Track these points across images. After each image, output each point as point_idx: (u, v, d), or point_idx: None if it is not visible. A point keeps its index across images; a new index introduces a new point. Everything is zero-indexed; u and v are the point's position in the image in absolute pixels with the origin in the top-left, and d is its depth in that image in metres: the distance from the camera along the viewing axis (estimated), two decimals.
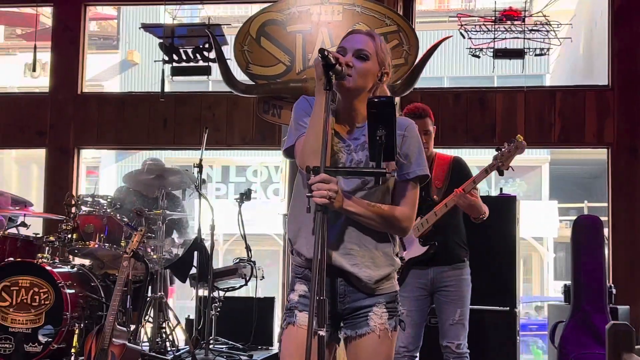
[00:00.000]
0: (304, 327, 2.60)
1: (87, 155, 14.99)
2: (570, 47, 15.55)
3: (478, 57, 6.75)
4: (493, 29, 6.68)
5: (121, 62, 18.82)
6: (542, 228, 16.61)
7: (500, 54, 6.66)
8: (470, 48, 6.74)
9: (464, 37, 6.73)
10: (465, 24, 6.73)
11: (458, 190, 4.27)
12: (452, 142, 7.00)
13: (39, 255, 5.44)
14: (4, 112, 7.72)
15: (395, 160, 2.60)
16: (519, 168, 4.25)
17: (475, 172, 4.44)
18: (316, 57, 2.54)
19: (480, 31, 6.73)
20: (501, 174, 4.33)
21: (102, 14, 18.14)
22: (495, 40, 6.68)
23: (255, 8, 6.57)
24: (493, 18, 6.70)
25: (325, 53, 2.50)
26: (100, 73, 17.99)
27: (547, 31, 6.57)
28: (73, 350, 5.18)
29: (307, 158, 2.56)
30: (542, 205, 17.14)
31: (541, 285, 18.12)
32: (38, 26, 8.09)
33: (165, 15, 13.09)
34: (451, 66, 16.25)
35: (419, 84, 5.88)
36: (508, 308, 5.53)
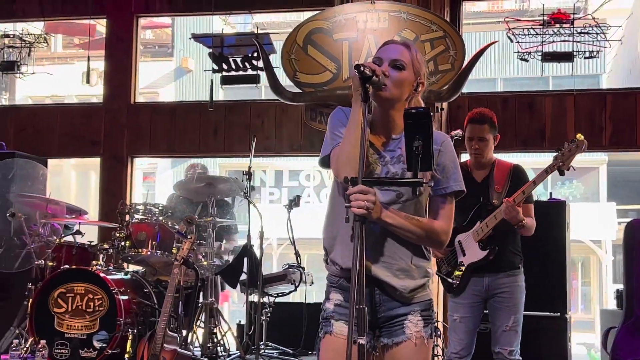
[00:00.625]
0: (340, 336, 2.65)
1: (144, 162, 15.27)
2: (627, 47, 15.28)
3: (526, 60, 6.69)
4: (541, 33, 6.62)
5: (176, 69, 19.09)
6: (600, 230, 16.33)
7: (549, 57, 6.59)
8: (518, 52, 6.68)
9: (511, 41, 6.68)
10: (513, 28, 6.68)
11: (507, 201, 4.26)
12: (501, 146, 6.88)
13: (94, 262, 5.56)
14: (61, 122, 7.93)
15: (432, 175, 2.63)
16: (575, 170, 4.23)
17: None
18: (352, 70, 2.58)
19: (528, 35, 6.66)
20: (562, 173, 4.32)
21: (157, 22, 18.42)
22: (544, 43, 6.61)
23: (305, 14, 6.63)
24: (541, 21, 6.64)
25: (361, 68, 2.53)
26: (156, 80, 18.28)
27: (597, 33, 6.48)
28: (126, 355, 5.26)
29: (342, 168, 2.59)
30: (600, 207, 16.85)
31: (599, 288, 17.80)
32: (94, 36, 8.28)
33: (218, 22, 13.30)
34: (503, 68, 16.11)
35: (468, 88, 5.87)
36: (559, 314, 5.49)
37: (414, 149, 2.50)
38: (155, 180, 17.99)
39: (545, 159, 4.35)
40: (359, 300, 2.41)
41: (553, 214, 5.61)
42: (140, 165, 16.11)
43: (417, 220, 2.64)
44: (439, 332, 3.31)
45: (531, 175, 4.46)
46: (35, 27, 8.16)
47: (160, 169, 18.28)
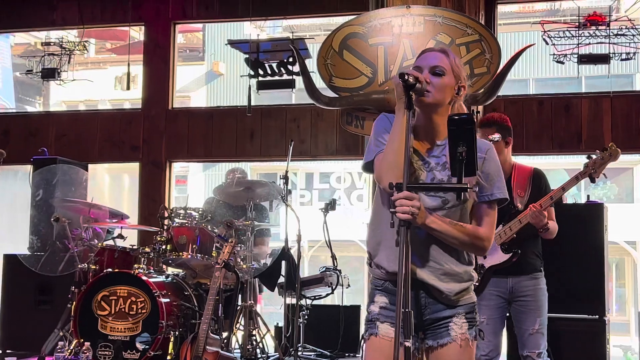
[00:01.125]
0: (386, 338, 2.71)
1: (176, 166, 15.43)
2: None
3: (562, 63, 6.69)
4: (577, 35, 6.61)
5: (207, 73, 19.23)
6: (635, 232, 16.18)
7: (584, 59, 6.58)
8: (554, 54, 6.68)
9: (547, 44, 6.68)
10: (549, 30, 6.68)
11: (534, 207, 4.29)
12: (536, 149, 6.95)
13: (135, 265, 5.65)
14: (100, 127, 8.07)
15: (476, 182, 2.68)
16: (609, 171, 4.24)
17: (555, 185, 4.46)
18: (395, 77, 2.64)
19: (564, 37, 6.66)
20: (593, 181, 4.34)
21: (188, 27, 18.58)
22: (580, 45, 6.61)
23: (340, 19, 6.69)
24: (577, 23, 6.63)
25: (405, 77, 2.59)
26: (188, 84, 18.43)
27: (633, 35, 6.46)
28: (169, 357, 5.35)
29: (385, 175, 2.66)
30: (635, 208, 16.69)
31: (634, 290, 17.63)
32: (126, 41, 8.40)
33: (249, 27, 13.39)
34: (535, 68, 16.01)
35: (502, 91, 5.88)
36: (597, 316, 5.48)
37: (458, 154, 2.56)
38: (187, 183, 18.15)
39: (582, 161, 4.35)
40: (405, 304, 2.47)
41: (591, 216, 5.61)
42: (173, 168, 16.29)
43: (461, 226, 2.69)
44: (482, 334, 3.36)
45: (566, 178, 4.47)
46: (69, 34, 8.30)
47: (192, 172, 18.43)
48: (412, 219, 2.52)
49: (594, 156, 4.29)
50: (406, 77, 2.60)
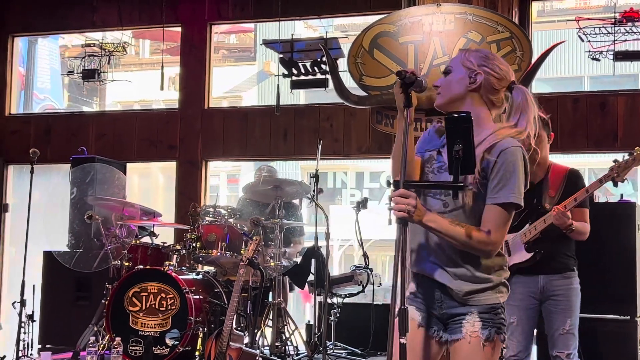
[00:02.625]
0: (410, 320, 2.70)
1: (228, 165, 15.56)
2: None
3: (598, 60, 6.58)
4: (613, 31, 6.50)
5: (258, 73, 19.36)
6: None
7: (620, 56, 6.47)
8: (589, 51, 6.58)
9: (582, 41, 6.59)
10: (584, 27, 6.58)
11: (557, 208, 4.25)
12: (571, 147, 6.85)
13: (166, 262, 5.76)
14: (139, 127, 8.22)
15: (482, 182, 2.67)
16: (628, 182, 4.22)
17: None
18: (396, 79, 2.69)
19: (599, 34, 6.56)
20: (615, 185, 4.28)
21: (240, 27, 18.72)
22: (616, 42, 6.50)
23: (373, 18, 6.70)
24: (613, 20, 6.52)
25: (402, 74, 2.63)
26: (239, 84, 18.58)
27: None
28: (197, 353, 5.41)
29: (392, 175, 2.76)
30: None
31: None
32: (172, 44, 8.54)
33: (300, 26, 13.45)
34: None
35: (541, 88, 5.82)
36: (629, 317, 5.39)
37: (454, 153, 2.57)
38: (239, 182, 18.29)
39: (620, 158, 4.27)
40: (402, 301, 2.52)
41: (623, 215, 5.52)
42: (225, 167, 16.43)
43: (460, 226, 2.66)
44: (502, 337, 3.34)
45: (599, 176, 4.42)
46: (125, 35, 8.46)
47: (243, 171, 18.59)
48: (408, 216, 2.54)
49: (620, 159, 4.24)
50: (403, 73, 2.64)
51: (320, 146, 6.03)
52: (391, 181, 2.72)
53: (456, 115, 2.61)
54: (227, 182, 17.23)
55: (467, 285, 2.73)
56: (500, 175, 2.67)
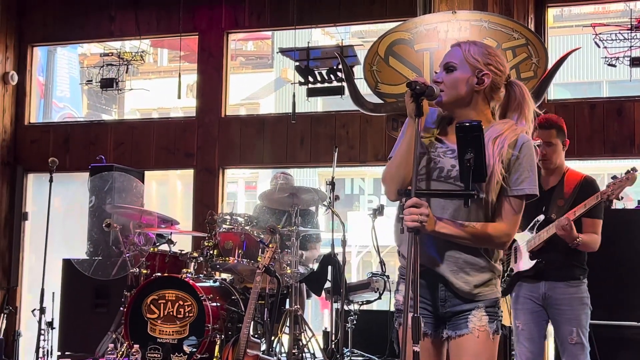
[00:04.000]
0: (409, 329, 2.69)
1: (246, 172, 15.61)
2: None
3: (614, 66, 6.57)
4: (629, 37, 6.49)
5: (276, 80, 19.40)
6: None
7: (637, 62, 6.44)
8: (605, 57, 6.57)
9: (598, 47, 6.58)
10: (600, 33, 6.57)
11: (560, 221, 4.20)
12: (588, 153, 6.83)
13: (184, 270, 5.79)
14: (157, 135, 8.28)
15: (504, 178, 2.67)
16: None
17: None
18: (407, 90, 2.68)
19: (616, 40, 6.54)
20: (610, 203, 4.26)
21: (258, 35, 18.79)
22: (632, 48, 6.48)
23: (389, 25, 6.72)
24: (629, 25, 6.51)
25: (412, 85, 2.63)
26: (257, 91, 18.62)
27: None
28: (214, 359, 5.48)
29: (386, 185, 2.78)
30: None
31: None
32: (195, 50, 8.61)
33: (317, 33, 13.46)
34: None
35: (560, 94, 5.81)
36: (639, 323, 5.38)
37: (466, 161, 2.58)
38: (257, 189, 18.33)
39: (636, 165, 4.23)
40: (415, 309, 2.51)
41: (639, 221, 5.50)
42: (243, 174, 16.47)
43: (471, 227, 2.68)
44: (505, 330, 3.32)
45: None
46: (144, 43, 8.54)
47: (261, 178, 18.62)
48: (421, 226, 2.55)
49: (618, 177, 4.20)
50: (413, 84, 2.64)
51: (336, 153, 6.05)
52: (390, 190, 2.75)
53: (467, 124, 2.62)
54: (245, 188, 17.29)
55: (475, 279, 2.73)
56: (523, 168, 2.71)
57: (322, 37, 14.12)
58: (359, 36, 14.20)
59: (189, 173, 8.26)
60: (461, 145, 2.59)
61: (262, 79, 19.10)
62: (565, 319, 4.29)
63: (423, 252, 2.63)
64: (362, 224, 6.07)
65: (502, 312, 2.82)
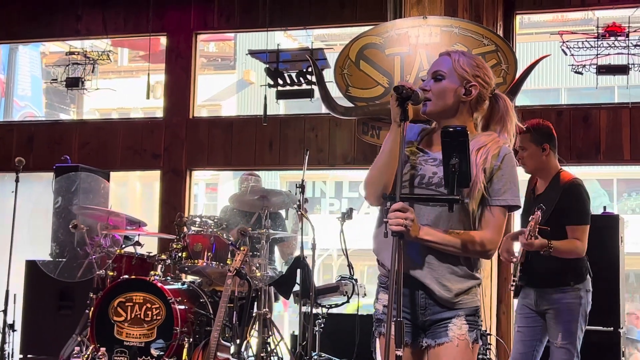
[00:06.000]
0: (391, 337, 2.65)
1: (207, 174, 15.52)
2: None
3: (581, 73, 6.68)
4: (596, 45, 6.59)
5: (238, 82, 19.33)
6: None
7: (603, 70, 6.56)
8: (572, 65, 6.67)
9: (565, 54, 6.67)
10: (568, 41, 6.67)
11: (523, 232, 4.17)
12: None
13: (152, 272, 5.71)
14: (123, 136, 8.19)
15: (486, 187, 2.68)
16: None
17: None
18: (391, 92, 2.68)
19: (583, 47, 6.65)
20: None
21: (220, 36, 18.72)
22: (599, 56, 6.58)
23: (359, 29, 6.75)
24: (596, 34, 6.61)
25: (399, 89, 2.63)
26: (219, 93, 18.53)
27: None
28: None
29: (366, 189, 2.78)
30: None
31: None
32: (157, 51, 8.54)
33: (279, 35, 13.45)
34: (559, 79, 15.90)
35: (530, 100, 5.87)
36: (612, 328, 5.45)
37: (451, 166, 2.58)
38: (218, 190, 18.24)
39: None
40: (398, 313, 2.51)
41: (607, 227, 5.58)
42: (204, 176, 16.37)
43: (455, 234, 2.68)
44: (484, 339, 3.35)
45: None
46: (103, 42, 8.46)
47: (222, 180, 18.53)
48: (406, 231, 2.54)
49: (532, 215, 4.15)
50: (400, 88, 2.64)
51: (307, 157, 6.04)
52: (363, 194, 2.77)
53: (451, 129, 2.61)
54: (206, 190, 17.18)
55: (456, 287, 2.71)
56: (506, 179, 2.72)
57: (285, 39, 14.10)
58: (322, 39, 14.20)
59: (149, 174, 8.18)
60: (446, 150, 2.59)
61: (224, 81, 19.02)
62: (552, 323, 4.34)
63: (404, 259, 2.59)
64: (324, 226, 6.06)
65: (481, 321, 2.83)
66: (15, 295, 6.63)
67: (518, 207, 2.76)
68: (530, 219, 4.09)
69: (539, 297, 4.39)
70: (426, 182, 2.74)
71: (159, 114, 8.31)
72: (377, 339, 2.85)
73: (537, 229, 4.11)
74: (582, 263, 4.42)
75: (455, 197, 2.57)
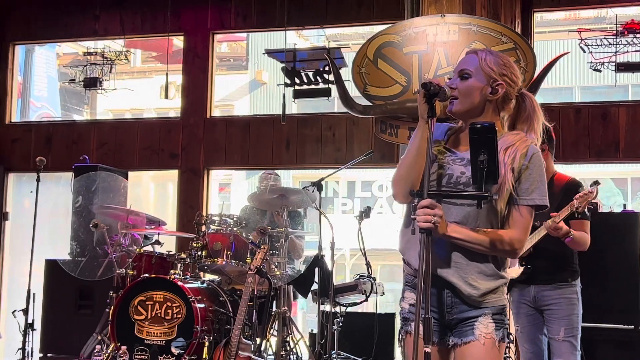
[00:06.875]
0: (420, 336, 2.66)
1: (219, 174, 15.55)
2: None
3: (599, 71, 6.64)
4: (615, 43, 6.56)
5: (250, 82, 19.35)
6: None
7: (622, 67, 6.52)
8: (590, 62, 6.64)
9: (584, 52, 6.64)
10: (586, 39, 6.64)
11: (546, 224, 4.30)
12: (573, 157, 6.90)
13: (172, 271, 5.74)
14: (141, 135, 8.22)
15: (514, 187, 2.67)
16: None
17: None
18: (419, 89, 2.67)
19: (601, 45, 6.62)
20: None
21: (233, 36, 18.75)
22: (617, 53, 6.55)
23: (376, 28, 6.75)
24: (615, 31, 6.58)
25: (427, 85, 2.62)
26: (231, 93, 18.56)
27: None
28: None
29: (394, 187, 2.77)
30: None
31: None
32: (172, 51, 8.56)
33: (291, 35, 13.47)
34: (578, 77, 15.83)
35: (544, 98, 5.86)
36: (632, 326, 5.43)
37: (479, 163, 2.57)
38: (231, 191, 18.25)
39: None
40: (426, 310, 2.50)
41: (625, 225, 5.57)
42: (217, 176, 16.39)
43: (483, 232, 2.67)
44: (511, 338, 3.41)
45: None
46: (116, 43, 8.50)
47: (235, 180, 18.54)
48: (434, 228, 2.53)
49: (586, 189, 4.31)
50: (428, 85, 2.64)
51: (364, 157, 6.07)
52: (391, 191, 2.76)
53: (479, 126, 2.60)
54: (219, 190, 17.20)
55: (483, 286, 2.71)
56: (533, 178, 2.71)
57: (297, 39, 14.11)
58: (334, 39, 14.20)
59: (163, 174, 8.20)
60: (474, 146, 2.58)
61: (236, 81, 19.05)
62: (553, 318, 4.43)
63: (431, 257, 2.58)
64: (337, 227, 6.05)
65: (508, 320, 2.81)
66: (34, 294, 6.67)
67: (545, 206, 2.75)
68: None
69: (538, 293, 4.47)
70: (454, 182, 2.73)
71: (173, 114, 8.33)
72: (405, 339, 2.84)
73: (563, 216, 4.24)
74: (576, 260, 4.55)
75: (484, 194, 2.57)
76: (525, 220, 2.73)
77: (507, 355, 5.30)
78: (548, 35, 14.89)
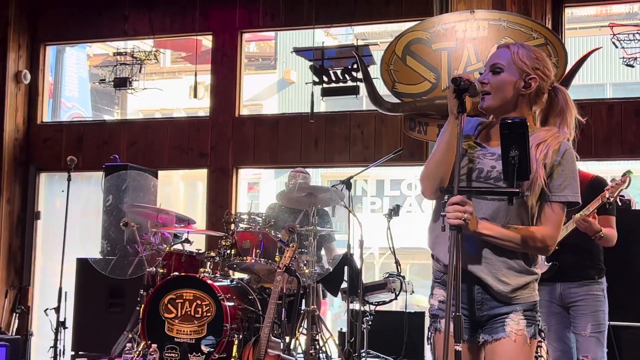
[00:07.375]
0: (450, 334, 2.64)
1: (248, 173, 15.60)
2: None
3: (632, 66, 6.55)
4: None
5: (279, 82, 19.38)
6: None
7: None
8: (623, 57, 6.55)
9: (616, 47, 6.55)
10: (618, 34, 6.55)
11: (574, 217, 4.28)
12: (605, 154, 6.80)
13: (201, 269, 5.77)
14: (170, 135, 8.26)
15: (546, 183, 2.64)
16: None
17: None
18: (449, 84, 2.64)
19: (634, 40, 6.53)
20: (608, 205, 4.33)
21: (260, 36, 18.79)
22: None
23: (404, 25, 6.71)
24: None
25: (458, 80, 2.59)
26: (259, 93, 18.61)
27: None
28: (232, 359, 5.45)
29: (422, 183, 2.76)
30: None
31: None
32: (199, 52, 8.58)
33: (319, 34, 13.46)
34: (610, 73, 15.64)
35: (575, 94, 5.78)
36: None
37: (510, 159, 2.54)
38: (260, 190, 18.29)
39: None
40: (456, 308, 2.46)
41: None
42: (245, 175, 16.45)
43: (514, 229, 2.64)
44: (543, 335, 3.39)
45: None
46: (145, 44, 8.55)
47: (264, 179, 18.58)
48: (464, 225, 2.50)
49: (617, 179, 4.29)
50: (458, 80, 2.61)
51: (392, 155, 6.06)
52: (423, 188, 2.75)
53: (510, 121, 2.57)
54: (248, 189, 17.24)
55: (513, 282, 2.67)
56: (566, 174, 2.67)
57: (325, 38, 14.09)
58: (362, 37, 14.15)
59: (192, 174, 8.22)
60: (505, 142, 2.54)
61: (265, 80, 19.09)
62: (580, 314, 4.43)
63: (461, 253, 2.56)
64: (366, 225, 6.03)
65: (540, 316, 2.77)
66: (66, 292, 6.74)
67: (578, 203, 2.72)
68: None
69: (565, 291, 4.47)
70: (484, 176, 2.70)
71: (202, 113, 8.35)
72: (434, 336, 2.81)
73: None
74: (602, 258, 4.54)
75: (516, 190, 2.53)
76: (558, 217, 2.69)
77: (539, 354, 5.24)
78: (579, 32, 14.73)
